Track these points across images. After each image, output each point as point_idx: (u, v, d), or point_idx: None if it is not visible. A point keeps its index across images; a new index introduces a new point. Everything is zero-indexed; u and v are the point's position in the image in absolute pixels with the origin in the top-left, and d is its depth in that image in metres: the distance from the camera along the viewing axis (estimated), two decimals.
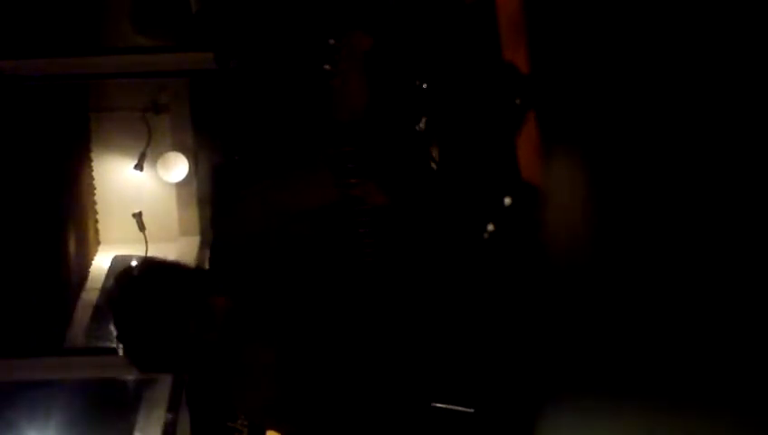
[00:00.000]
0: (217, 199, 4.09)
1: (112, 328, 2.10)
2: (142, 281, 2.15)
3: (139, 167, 4.43)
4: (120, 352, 2.10)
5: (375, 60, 2.22)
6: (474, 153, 2.50)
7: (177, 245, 4.52)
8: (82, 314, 4.25)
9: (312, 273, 2.25)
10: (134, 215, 4.47)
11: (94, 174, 4.54)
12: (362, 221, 2.19)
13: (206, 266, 2.80)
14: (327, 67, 2.03)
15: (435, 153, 2.62)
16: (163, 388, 3.63)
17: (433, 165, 2.61)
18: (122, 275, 2.20)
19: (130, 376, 3.63)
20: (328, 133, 2.19)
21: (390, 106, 2.44)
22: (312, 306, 2.22)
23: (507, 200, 2.31)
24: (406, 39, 2.52)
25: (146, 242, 4.47)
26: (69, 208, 4.34)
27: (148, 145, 4.44)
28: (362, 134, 2.15)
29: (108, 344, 3.96)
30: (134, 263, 2.73)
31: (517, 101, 2.24)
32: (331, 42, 2.08)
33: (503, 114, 2.30)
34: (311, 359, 2.19)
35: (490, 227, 2.32)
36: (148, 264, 2.32)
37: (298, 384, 2.17)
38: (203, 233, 4.49)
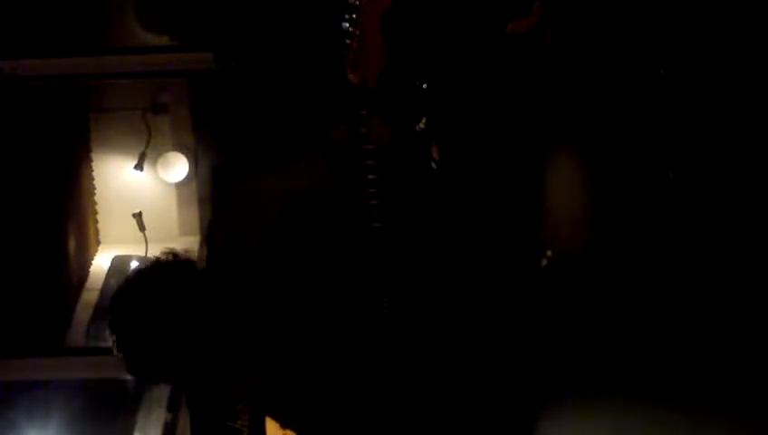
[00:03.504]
0: (217, 199, 4.09)
1: (109, 334, 2.08)
2: (137, 286, 2.13)
3: (139, 167, 4.43)
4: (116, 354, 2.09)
5: (394, 18, 2.16)
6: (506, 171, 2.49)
7: (176, 245, 4.50)
8: (82, 314, 4.25)
9: (308, 258, 2.24)
10: (134, 215, 4.46)
11: (94, 174, 4.54)
12: (368, 163, 2.13)
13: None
14: (346, 25, 1.97)
15: (435, 153, 2.62)
16: (163, 388, 3.63)
17: (433, 165, 2.61)
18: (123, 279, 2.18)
19: (130, 376, 3.62)
20: (343, 95, 2.14)
21: (408, 63, 2.38)
22: (312, 293, 2.22)
23: (546, 257, 2.31)
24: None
25: (146, 242, 4.46)
26: (69, 208, 4.34)
27: (148, 145, 4.44)
28: (377, 96, 2.09)
29: (108, 344, 3.97)
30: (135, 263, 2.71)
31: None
32: None
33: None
34: (310, 345, 2.18)
35: (549, 254, 2.30)
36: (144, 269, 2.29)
37: (296, 370, 2.16)
38: (203, 233, 4.49)
